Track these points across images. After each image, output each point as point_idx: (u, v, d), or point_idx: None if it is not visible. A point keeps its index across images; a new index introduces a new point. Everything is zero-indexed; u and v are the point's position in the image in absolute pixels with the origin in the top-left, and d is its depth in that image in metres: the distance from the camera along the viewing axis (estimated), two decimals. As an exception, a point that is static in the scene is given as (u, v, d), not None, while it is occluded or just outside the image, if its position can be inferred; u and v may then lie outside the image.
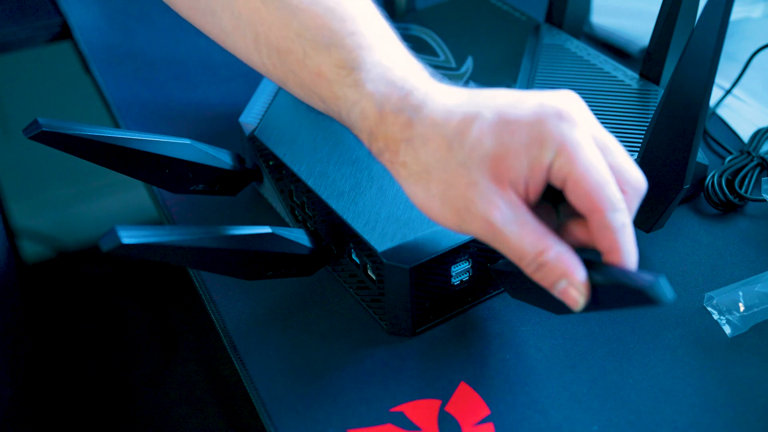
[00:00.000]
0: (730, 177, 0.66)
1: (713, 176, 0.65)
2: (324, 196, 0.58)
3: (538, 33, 0.73)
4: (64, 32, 0.91)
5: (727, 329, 0.57)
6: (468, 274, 0.56)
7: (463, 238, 0.54)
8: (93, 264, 1.62)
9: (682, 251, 0.62)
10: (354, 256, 0.57)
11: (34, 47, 0.92)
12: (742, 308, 0.57)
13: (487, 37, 0.73)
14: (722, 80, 0.78)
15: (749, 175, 0.66)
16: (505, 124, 0.44)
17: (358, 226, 0.55)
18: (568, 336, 0.57)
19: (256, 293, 0.60)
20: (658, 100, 0.64)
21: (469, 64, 0.70)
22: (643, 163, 0.58)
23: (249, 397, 0.55)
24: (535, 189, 0.45)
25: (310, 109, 0.66)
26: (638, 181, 0.46)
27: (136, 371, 1.43)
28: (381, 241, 0.54)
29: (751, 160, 0.67)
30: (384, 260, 0.53)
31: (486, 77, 0.68)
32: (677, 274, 0.61)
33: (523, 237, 0.45)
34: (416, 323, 0.56)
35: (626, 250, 0.45)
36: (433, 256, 0.54)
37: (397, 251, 0.54)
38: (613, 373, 0.54)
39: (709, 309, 0.58)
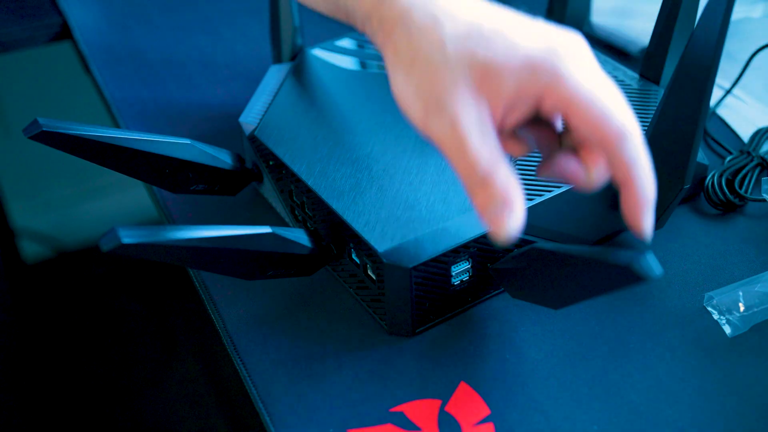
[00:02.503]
0: (730, 177, 0.66)
1: (713, 176, 0.65)
2: (324, 196, 0.58)
3: None
4: (64, 32, 0.91)
5: (727, 329, 0.57)
6: (468, 274, 0.56)
7: (464, 238, 0.54)
8: (93, 264, 1.62)
9: (682, 251, 0.62)
10: (354, 256, 0.57)
11: (34, 47, 0.92)
12: (742, 308, 0.57)
13: None
14: (722, 80, 0.78)
15: (749, 175, 0.66)
16: (504, 41, 0.44)
17: (358, 226, 0.55)
18: (568, 336, 0.57)
19: (256, 293, 0.60)
20: (658, 100, 0.64)
21: None
22: None
23: (249, 397, 0.55)
24: (517, 116, 0.45)
25: (310, 109, 0.66)
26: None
27: (136, 371, 1.43)
28: (381, 241, 0.54)
29: (751, 160, 0.67)
30: (384, 260, 0.53)
31: None
32: (677, 274, 0.61)
33: (481, 149, 0.44)
34: (416, 323, 0.57)
35: (641, 184, 0.44)
36: (433, 256, 0.54)
37: (397, 251, 0.54)
38: (613, 373, 0.54)
39: (709, 309, 0.58)
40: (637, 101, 0.65)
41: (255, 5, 0.90)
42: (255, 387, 0.54)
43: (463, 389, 0.54)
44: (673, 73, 0.53)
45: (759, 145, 0.69)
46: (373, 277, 0.56)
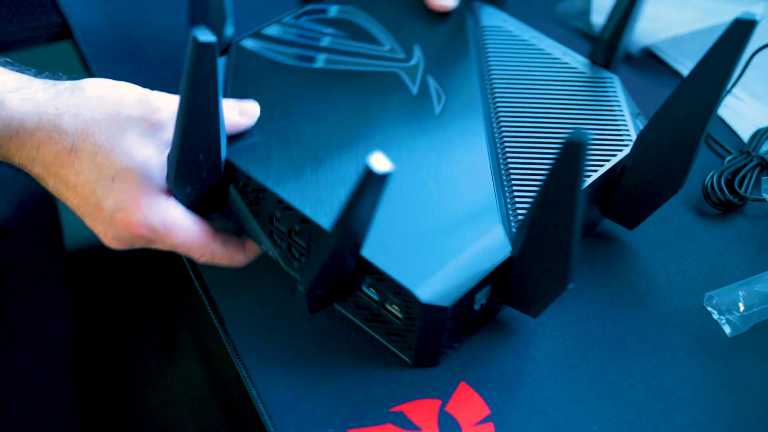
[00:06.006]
0: (729, 177, 0.66)
1: (713, 176, 0.65)
2: (325, 226, 0.52)
3: (472, 11, 0.69)
4: (64, 32, 0.91)
5: (727, 329, 0.57)
6: (486, 297, 0.54)
7: (490, 266, 0.52)
8: (93, 264, 1.62)
9: (682, 251, 0.62)
10: (365, 288, 0.53)
11: (34, 47, 0.92)
12: (742, 308, 0.57)
13: (426, 19, 0.67)
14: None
15: (749, 175, 0.66)
16: None
17: (381, 262, 0.51)
18: (568, 336, 0.57)
19: (256, 293, 0.60)
20: (615, 87, 0.64)
21: (418, 54, 0.65)
22: (638, 162, 0.57)
23: (249, 397, 0.55)
24: None
25: (270, 119, 0.58)
26: None
27: (135, 371, 1.43)
28: (412, 279, 0.50)
29: (751, 160, 0.67)
30: (422, 300, 0.50)
31: (440, 69, 0.64)
32: (677, 274, 0.61)
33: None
34: (442, 353, 0.55)
35: None
36: (469, 289, 0.51)
37: (430, 288, 0.50)
38: (613, 373, 0.54)
39: (709, 309, 0.58)
40: (592, 86, 0.64)
41: (255, 5, 0.90)
42: (255, 387, 0.54)
43: (463, 389, 0.54)
44: (682, 83, 0.53)
45: (759, 145, 0.69)
46: (398, 314, 0.53)
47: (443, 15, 0.69)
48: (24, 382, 0.84)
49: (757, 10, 0.86)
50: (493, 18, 0.69)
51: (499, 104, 0.62)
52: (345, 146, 0.57)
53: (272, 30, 0.65)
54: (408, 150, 0.58)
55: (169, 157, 0.53)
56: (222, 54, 0.63)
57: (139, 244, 0.55)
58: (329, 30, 0.66)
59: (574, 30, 0.83)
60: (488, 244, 0.53)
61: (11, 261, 0.80)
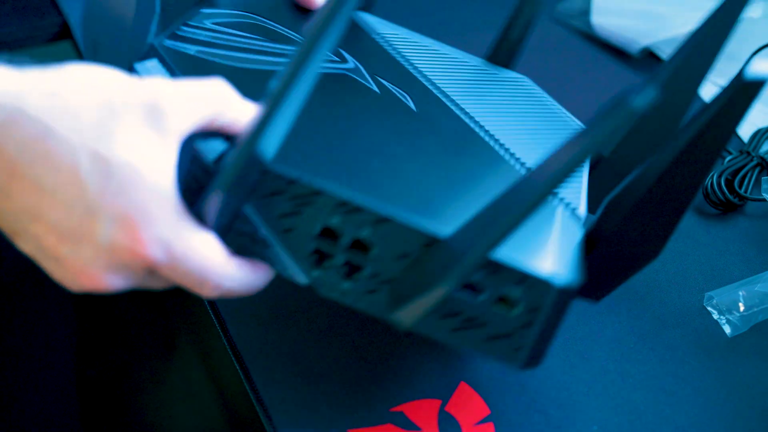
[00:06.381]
0: (729, 177, 0.66)
1: (713, 176, 0.65)
2: (426, 228, 0.43)
3: (359, 22, 0.64)
4: (64, 32, 0.91)
5: (727, 329, 0.57)
6: None
7: (579, 242, 0.47)
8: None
9: (682, 251, 0.62)
10: (458, 293, 0.44)
11: (34, 47, 0.92)
12: (742, 308, 0.57)
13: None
14: (722, 80, 0.78)
15: (749, 174, 0.66)
16: None
17: (504, 255, 0.43)
18: (568, 336, 0.57)
19: (257, 293, 0.60)
20: (535, 86, 0.63)
21: (350, 58, 0.58)
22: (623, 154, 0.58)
23: (249, 397, 0.55)
24: None
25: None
26: None
27: (135, 371, 1.43)
28: (535, 265, 0.43)
29: (751, 160, 0.67)
30: (557, 284, 0.43)
31: (384, 73, 0.59)
32: (677, 274, 0.61)
33: None
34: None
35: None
36: (580, 268, 0.45)
37: (556, 271, 0.43)
38: (613, 373, 0.54)
39: (709, 309, 0.58)
40: (519, 87, 0.63)
41: None
42: (255, 387, 0.54)
43: (463, 389, 0.54)
44: (682, 56, 0.53)
45: (759, 145, 0.69)
46: (506, 313, 0.44)
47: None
48: (26, 383, 0.84)
49: (756, 11, 0.87)
50: (383, 26, 0.65)
51: (467, 109, 0.58)
52: (369, 138, 0.50)
53: (185, 32, 0.56)
54: (427, 143, 0.52)
55: (232, 151, 0.40)
56: (143, 58, 0.53)
57: (135, 279, 0.43)
58: (247, 33, 0.57)
59: (573, 30, 0.83)
60: (562, 223, 0.48)
61: (10, 263, 0.80)
